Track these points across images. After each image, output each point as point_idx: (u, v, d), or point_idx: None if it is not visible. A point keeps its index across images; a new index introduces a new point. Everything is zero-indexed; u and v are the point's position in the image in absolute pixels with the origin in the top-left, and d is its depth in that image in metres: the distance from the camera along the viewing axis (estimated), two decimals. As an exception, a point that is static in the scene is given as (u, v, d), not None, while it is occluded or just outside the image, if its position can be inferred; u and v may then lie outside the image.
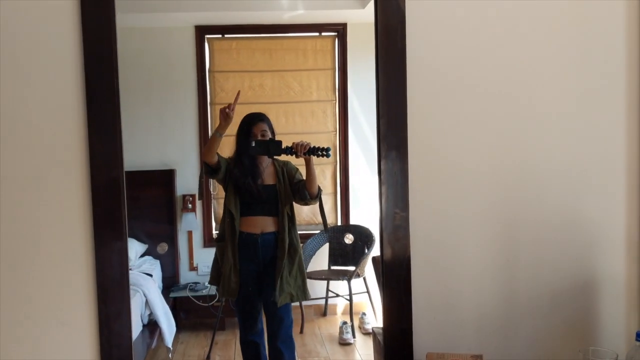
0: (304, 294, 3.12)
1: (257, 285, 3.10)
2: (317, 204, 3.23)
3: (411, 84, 1.63)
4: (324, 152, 2.83)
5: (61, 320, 1.56)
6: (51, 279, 1.56)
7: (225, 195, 3.10)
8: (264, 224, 3.06)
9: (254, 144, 2.89)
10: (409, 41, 1.65)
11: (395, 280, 1.62)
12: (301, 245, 3.22)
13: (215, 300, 4.65)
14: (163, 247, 4.92)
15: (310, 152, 2.85)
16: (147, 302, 4.11)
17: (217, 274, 3.15)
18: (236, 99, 2.90)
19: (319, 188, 3.06)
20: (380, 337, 1.68)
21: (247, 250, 3.05)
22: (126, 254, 1.57)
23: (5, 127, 1.55)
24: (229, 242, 3.02)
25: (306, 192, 3.01)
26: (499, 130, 1.70)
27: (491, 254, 1.69)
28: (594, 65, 1.72)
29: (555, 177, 1.72)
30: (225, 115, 2.88)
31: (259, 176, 3.04)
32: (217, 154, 3.01)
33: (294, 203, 3.11)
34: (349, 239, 4.97)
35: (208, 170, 3.03)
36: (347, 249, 5.05)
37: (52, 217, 1.58)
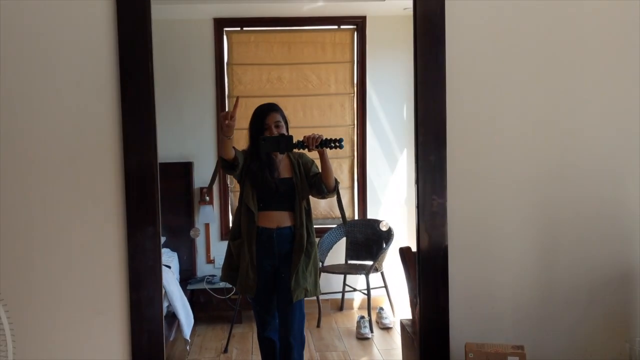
0: (315, 289, 3.08)
1: (272, 281, 3.06)
2: (335, 198, 3.10)
3: (450, 67, 1.59)
4: (337, 144, 2.74)
5: (93, 306, 1.54)
6: (84, 264, 1.55)
7: (242, 190, 3.02)
8: (280, 219, 3.00)
9: (263, 141, 2.78)
10: (449, 24, 1.61)
11: (432, 269, 1.59)
12: (317, 240, 3.16)
13: (232, 293, 4.64)
14: (196, 232, 4.96)
15: (323, 144, 2.76)
16: (165, 294, 4.09)
17: (230, 271, 3.09)
18: (235, 105, 2.70)
19: (336, 181, 2.99)
20: (409, 329, 1.65)
21: (263, 246, 3.00)
22: (159, 239, 1.54)
23: (39, 109, 1.54)
24: (246, 238, 2.96)
25: (323, 185, 2.94)
26: (539, 119, 1.66)
27: (530, 243, 1.65)
28: (636, 60, 1.68)
29: (595, 169, 1.68)
30: (225, 125, 2.70)
31: (275, 169, 2.98)
32: (234, 148, 2.91)
33: (310, 197, 3.05)
34: (384, 225, 4.91)
35: (226, 165, 2.93)
36: (365, 243, 5.01)
37: (86, 201, 1.57)
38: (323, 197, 3.02)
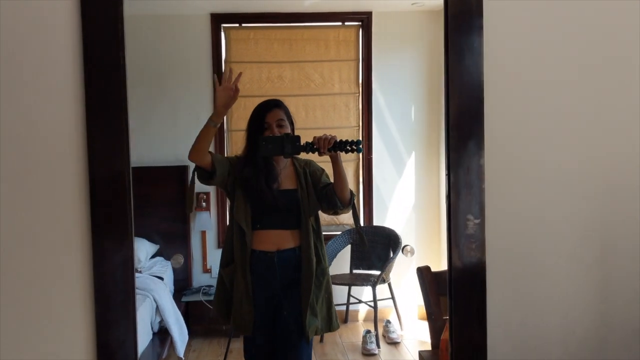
0: (329, 325, 2.53)
1: (272, 318, 2.47)
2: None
3: (489, 63, 1.31)
4: (354, 147, 2.24)
5: (52, 353, 1.26)
6: (38, 302, 1.27)
7: (232, 205, 2.47)
8: (281, 239, 2.45)
9: (264, 142, 2.26)
10: (487, 14, 1.32)
11: (466, 300, 1.31)
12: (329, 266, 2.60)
13: (230, 305, 4.35)
14: (178, 260, 4.61)
15: (337, 147, 2.26)
16: (157, 308, 3.82)
17: (223, 303, 2.54)
18: (238, 77, 2.29)
19: (352, 193, 2.45)
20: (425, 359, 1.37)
21: (261, 273, 2.44)
22: (132, 267, 1.27)
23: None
24: (240, 264, 2.42)
25: (336, 198, 2.39)
26: (588, 124, 1.38)
27: (583, 275, 1.37)
28: None
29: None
30: (229, 91, 2.25)
31: (274, 179, 2.43)
32: (211, 152, 2.38)
33: (319, 212, 2.51)
34: (409, 252, 4.69)
35: (199, 174, 2.39)
36: (371, 251, 4.74)
37: (47, 217, 1.29)
38: (336, 213, 2.50)
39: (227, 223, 3.12)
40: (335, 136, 2.28)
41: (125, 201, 1.29)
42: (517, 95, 1.35)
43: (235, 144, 4.81)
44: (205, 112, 4.74)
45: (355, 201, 2.49)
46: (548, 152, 1.36)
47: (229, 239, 2.50)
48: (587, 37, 1.41)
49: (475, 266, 1.30)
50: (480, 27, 1.29)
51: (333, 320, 2.54)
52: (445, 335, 1.89)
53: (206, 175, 2.38)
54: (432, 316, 2.01)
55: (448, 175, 1.31)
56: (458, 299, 1.30)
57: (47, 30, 1.29)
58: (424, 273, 2.07)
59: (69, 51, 1.30)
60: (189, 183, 2.48)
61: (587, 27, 1.41)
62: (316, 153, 2.29)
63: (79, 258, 1.31)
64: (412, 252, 4.83)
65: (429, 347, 4.33)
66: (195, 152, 2.34)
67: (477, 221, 1.28)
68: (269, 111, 2.44)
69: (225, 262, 2.52)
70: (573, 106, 1.38)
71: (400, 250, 4.63)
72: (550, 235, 1.36)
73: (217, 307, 2.58)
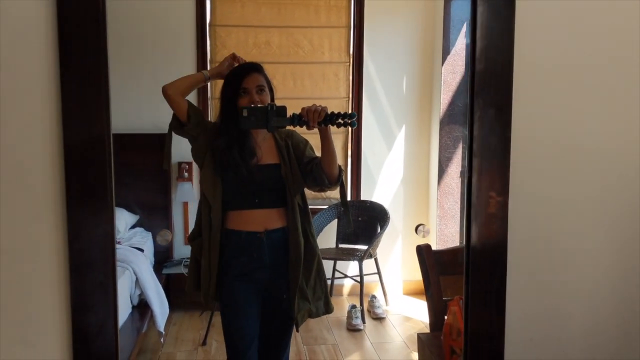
0: (327, 307, 2.35)
1: (257, 303, 2.28)
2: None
3: (520, 22, 1.16)
4: (348, 121, 2.00)
5: (22, 337, 1.12)
6: (9, 280, 1.12)
7: (202, 174, 2.25)
8: (267, 219, 2.24)
9: (245, 113, 2.01)
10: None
11: (485, 286, 1.19)
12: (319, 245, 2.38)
13: (213, 278, 4.22)
14: (165, 238, 4.43)
15: (328, 120, 2.01)
16: (137, 281, 3.68)
17: (193, 276, 2.34)
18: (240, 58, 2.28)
19: (340, 168, 2.23)
20: (425, 342, 1.26)
21: (246, 256, 2.23)
22: (113, 243, 1.12)
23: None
24: (206, 240, 2.21)
25: (324, 175, 2.18)
26: (624, 105, 1.25)
27: (608, 257, 1.26)
28: None
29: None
30: (231, 64, 2.24)
31: (252, 153, 2.20)
32: (189, 101, 2.21)
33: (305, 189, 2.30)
34: (422, 231, 4.60)
35: (173, 122, 2.22)
36: (358, 226, 4.64)
37: (16, 185, 1.13)
38: (322, 190, 2.29)
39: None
40: (325, 107, 2.04)
41: (105, 169, 1.14)
42: (550, 64, 1.21)
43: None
44: (188, 77, 4.55)
45: (343, 177, 2.28)
46: (579, 131, 1.24)
47: (199, 211, 2.29)
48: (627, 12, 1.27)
49: (496, 247, 1.18)
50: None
51: (329, 301, 2.37)
52: (449, 319, 1.79)
53: (177, 124, 2.21)
54: (432, 297, 1.91)
55: (470, 147, 1.17)
56: (476, 281, 1.19)
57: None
58: (424, 252, 1.95)
59: (43, 5, 1.12)
60: (166, 138, 2.29)
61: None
62: (304, 127, 2.06)
63: (53, 232, 1.15)
64: (427, 232, 4.70)
65: (415, 324, 4.32)
66: (172, 86, 2.18)
67: (500, 199, 1.16)
68: (247, 75, 2.20)
69: (192, 235, 2.32)
70: (609, 84, 1.25)
71: (387, 226, 4.52)
72: (577, 218, 1.25)
73: (189, 280, 2.38)
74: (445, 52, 4.49)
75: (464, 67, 4.49)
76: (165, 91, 2.18)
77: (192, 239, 2.32)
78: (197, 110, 2.25)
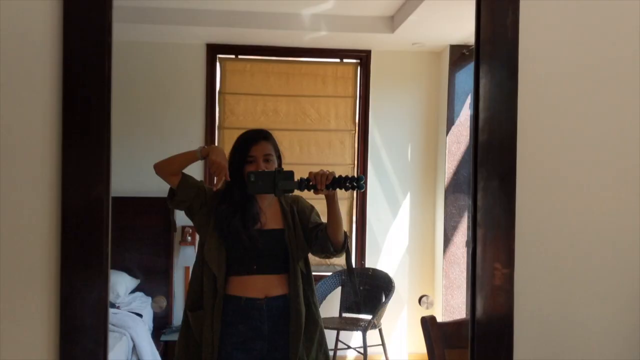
0: None
1: None
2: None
3: (523, 92, 1.17)
4: (354, 184, 2.01)
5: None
6: (5, 323, 1.08)
7: (203, 243, 2.21)
8: (268, 285, 2.19)
9: (252, 178, 2.01)
10: (523, 33, 1.19)
11: (491, 358, 1.13)
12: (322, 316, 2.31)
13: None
14: (160, 304, 4.34)
15: (336, 184, 2.01)
16: (134, 347, 3.58)
17: (186, 350, 2.22)
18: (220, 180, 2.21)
19: (345, 235, 2.19)
20: None
21: (245, 324, 2.16)
22: (106, 310, 1.09)
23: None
24: (208, 311, 2.13)
25: (329, 242, 2.14)
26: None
27: (628, 334, 1.20)
28: None
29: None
30: (217, 169, 2.15)
31: (254, 219, 2.18)
32: (186, 175, 2.20)
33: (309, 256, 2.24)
34: (426, 303, 4.57)
35: (169, 194, 2.21)
36: (363, 295, 4.54)
37: (9, 245, 1.12)
38: (327, 257, 2.24)
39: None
40: (333, 172, 2.05)
41: (102, 232, 1.12)
42: (555, 134, 1.21)
43: (229, 143, 4.66)
44: (194, 142, 4.60)
45: (349, 244, 2.23)
46: (587, 200, 1.21)
47: (198, 279, 2.20)
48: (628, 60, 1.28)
49: (502, 321, 1.14)
50: (515, 56, 1.15)
51: None
52: (455, 396, 1.70)
53: (170, 195, 2.22)
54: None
55: (474, 217, 1.16)
56: (481, 355, 1.13)
57: (25, 34, 1.14)
58: (429, 323, 1.89)
59: (47, 59, 1.15)
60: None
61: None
62: (312, 191, 2.04)
63: (45, 294, 1.12)
64: (431, 303, 4.61)
65: (420, 400, 4.14)
66: (162, 165, 2.20)
67: (506, 271, 1.13)
68: (255, 143, 2.20)
69: (192, 306, 2.21)
70: (614, 150, 1.24)
71: (392, 295, 4.42)
72: (589, 290, 1.20)
73: (181, 354, 2.24)
74: (450, 122, 4.55)
75: (468, 137, 4.54)
76: (156, 170, 2.22)
77: (192, 309, 2.21)
78: (189, 186, 2.21)
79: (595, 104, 1.26)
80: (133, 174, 4.45)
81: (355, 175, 2.08)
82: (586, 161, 1.23)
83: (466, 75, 4.48)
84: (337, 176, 2.05)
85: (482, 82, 1.13)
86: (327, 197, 2.10)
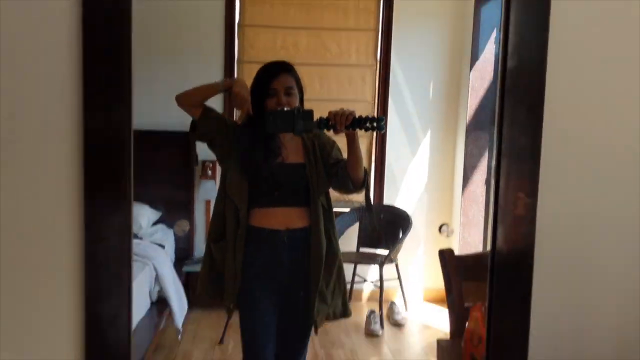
0: (341, 312, 2.32)
1: (275, 301, 2.24)
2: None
3: (555, 18, 1.12)
4: (376, 125, 1.96)
5: (36, 328, 1.11)
6: (23, 270, 1.12)
7: (225, 175, 2.23)
8: (289, 218, 2.21)
9: (272, 117, 1.99)
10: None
11: (510, 287, 1.15)
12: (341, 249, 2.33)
13: (232, 278, 4.22)
14: (183, 227, 4.44)
15: (356, 124, 1.98)
16: (157, 277, 3.69)
17: (210, 280, 2.28)
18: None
19: (365, 172, 2.19)
20: (445, 349, 1.22)
21: (267, 254, 2.21)
22: (130, 234, 1.11)
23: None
24: (231, 241, 2.19)
25: (348, 178, 2.15)
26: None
27: (642, 264, 1.20)
28: None
29: None
30: (239, 101, 2.15)
31: (275, 153, 2.18)
32: (208, 108, 2.21)
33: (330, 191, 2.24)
34: (446, 231, 4.65)
35: (192, 126, 2.22)
36: (380, 231, 4.59)
37: (34, 172, 1.13)
38: (347, 193, 2.25)
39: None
40: (353, 111, 2.00)
41: (124, 160, 1.12)
42: (585, 63, 1.17)
43: (248, 77, 4.63)
44: (214, 77, 4.52)
45: (368, 181, 2.24)
46: (615, 133, 1.19)
47: (220, 211, 2.24)
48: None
49: (523, 250, 1.14)
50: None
51: (347, 306, 2.34)
52: (471, 325, 1.74)
53: (192, 128, 2.22)
54: (454, 302, 1.86)
55: (499, 146, 1.13)
56: (501, 285, 1.15)
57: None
58: (447, 257, 1.91)
59: (68, 5, 1.12)
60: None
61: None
62: (331, 130, 2.01)
63: (69, 220, 1.15)
64: (451, 232, 4.67)
65: (434, 332, 4.25)
66: (184, 97, 2.18)
67: (529, 200, 1.12)
68: (276, 76, 2.14)
69: (215, 237, 2.26)
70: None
71: (409, 231, 4.46)
72: (609, 223, 1.19)
73: (204, 284, 2.31)
74: (474, 57, 4.43)
75: (492, 73, 4.42)
76: (178, 102, 2.20)
77: (215, 240, 2.26)
78: (210, 118, 2.22)
79: (632, 33, 1.20)
80: (154, 109, 4.45)
81: (376, 116, 2.01)
82: (620, 91, 1.19)
83: (492, 8, 4.31)
84: (357, 116, 2.00)
85: (513, 4, 1.08)
86: (347, 136, 2.09)
